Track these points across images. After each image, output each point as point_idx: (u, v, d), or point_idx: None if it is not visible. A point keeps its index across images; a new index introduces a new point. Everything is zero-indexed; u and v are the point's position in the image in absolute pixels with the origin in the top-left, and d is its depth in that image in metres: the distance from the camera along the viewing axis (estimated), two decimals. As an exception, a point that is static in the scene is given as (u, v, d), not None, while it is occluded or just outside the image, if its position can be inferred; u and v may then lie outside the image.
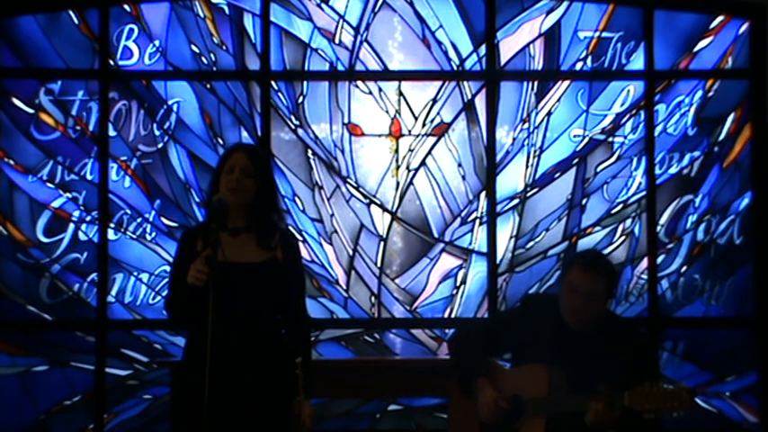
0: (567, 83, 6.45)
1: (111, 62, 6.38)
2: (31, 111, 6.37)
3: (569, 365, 4.13)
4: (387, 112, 6.46)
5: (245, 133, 6.38)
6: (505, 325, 4.46)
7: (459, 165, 6.44)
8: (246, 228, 3.96)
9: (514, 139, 6.45)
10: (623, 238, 6.43)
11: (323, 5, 6.46)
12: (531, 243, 6.43)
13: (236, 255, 3.88)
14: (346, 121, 6.45)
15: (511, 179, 6.44)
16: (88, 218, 6.33)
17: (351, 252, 6.41)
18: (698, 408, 6.26)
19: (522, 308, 4.52)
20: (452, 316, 6.41)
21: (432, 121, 6.46)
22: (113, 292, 6.32)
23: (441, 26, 6.47)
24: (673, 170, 6.44)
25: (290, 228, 6.25)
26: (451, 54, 6.46)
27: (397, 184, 6.44)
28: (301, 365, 3.86)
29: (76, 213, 6.34)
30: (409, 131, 6.45)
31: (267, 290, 3.92)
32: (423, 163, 6.44)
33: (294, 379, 3.84)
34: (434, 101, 6.46)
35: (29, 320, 6.32)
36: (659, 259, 6.39)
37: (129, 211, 6.34)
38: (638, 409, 3.92)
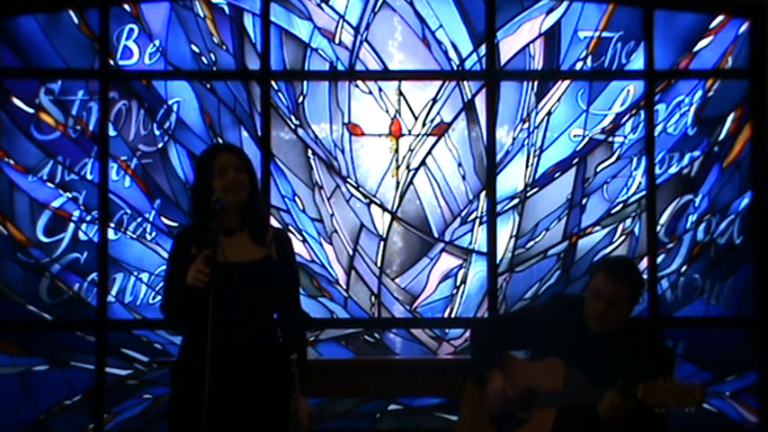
0: (566, 83, 6.45)
1: (111, 62, 6.38)
2: (31, 111, 6.36)
3: (587, 367, 4.16)
4: (387, 111, 6.45)
5: (245, 133, 6.38)
6: (530, 321, 4.46)
7: (459, 164, 6.44)
8: (239, 227, 3.97)
9: (514, 139, 6.44)
10: (623, 237, 6.43)
11: (323, 5, 6.46)
12: (531, 243, 6.43)
13: (233, 254, 3.87)
14: (346, 120, 6.44)
15: (511, 179, 6.44)
16: (88, 218, 6.33)
17: (351, 252, 6.41)
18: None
19: (547, 306, 4.55)
20: (452, 316, 6.41)
21: (432, 120, 6.45)
22: (113, 292, 6.32)
23: (441, 26, 6.46)
24: (673, 170, 6.44)
25: (290, 227, 6.32)
26: (451, 54, 6.45)
27: (397, 183, 6.44)
28: (297, 362, 3.87)
29: (76, 213, 6.34)
30: (409, 131, 6.45)
31: (265, 288, 3.93)
32: (423, 163, 6.44)
33: (291, 376, 3.85)
34: (434, 101, 6.45)
35: (29, 320, 6.31)
36: (659, 259, 6.39)
37: (129, 211, 6.34)
38: (650, 402, 3.93)
